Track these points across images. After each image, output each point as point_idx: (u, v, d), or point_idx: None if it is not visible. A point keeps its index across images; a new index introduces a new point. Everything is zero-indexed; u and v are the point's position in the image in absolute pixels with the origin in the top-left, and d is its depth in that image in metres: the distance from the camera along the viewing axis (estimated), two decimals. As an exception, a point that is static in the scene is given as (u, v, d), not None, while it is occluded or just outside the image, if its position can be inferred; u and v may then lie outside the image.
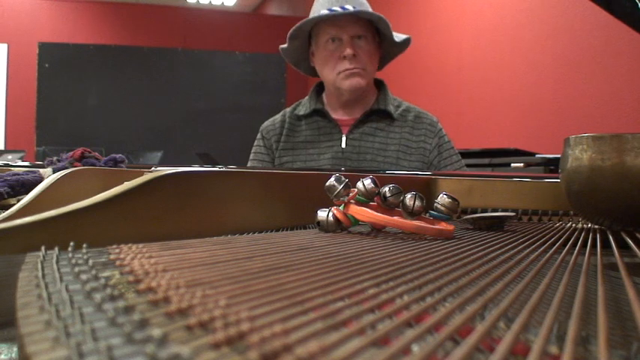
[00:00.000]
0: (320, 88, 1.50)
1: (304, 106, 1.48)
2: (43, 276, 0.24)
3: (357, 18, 1.37)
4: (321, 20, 1.38)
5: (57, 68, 4.78)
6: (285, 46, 1.45)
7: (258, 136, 1.50)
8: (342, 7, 1.35)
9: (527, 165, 1.78)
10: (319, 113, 1.45)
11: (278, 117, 1.50)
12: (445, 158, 1.41)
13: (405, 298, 0.22)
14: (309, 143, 1.43)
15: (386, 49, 1.46)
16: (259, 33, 5.71)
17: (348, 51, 1.36)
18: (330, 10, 1.36)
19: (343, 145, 1.40)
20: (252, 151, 1.51)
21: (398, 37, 1.42)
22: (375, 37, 1.43)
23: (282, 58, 1.51)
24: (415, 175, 0.83)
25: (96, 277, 0.24)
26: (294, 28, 1.40)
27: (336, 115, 1.45)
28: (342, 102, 1.44)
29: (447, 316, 0.19)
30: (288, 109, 1.51)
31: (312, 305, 0.20)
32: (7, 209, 0.51)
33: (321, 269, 0.27)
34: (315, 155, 1.41)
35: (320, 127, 1.44)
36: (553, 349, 0.19)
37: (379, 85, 1.49)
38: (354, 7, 1.35)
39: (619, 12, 0.82)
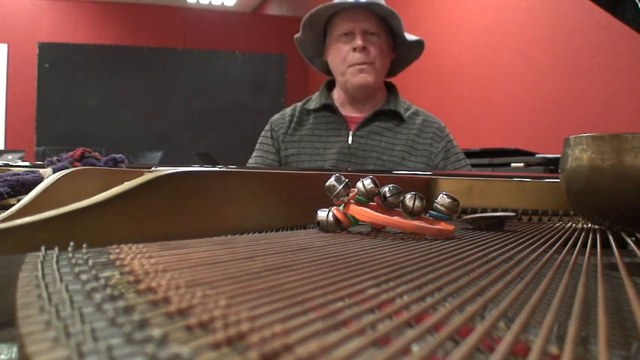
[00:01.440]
0: (331, 84, 1.51)
1: (314, 100, 1.49)
2: (43, 276, 0.24)
3: (371, 14, 1.38)
4: (336, 14, 1.39)
5: (57, 68, 4.78)
6: (299, 35, 1.46)
7: (267, 127, 1.50)
8: (356, 1, 1.36)
9: (527, 165, 1.78)
10: (328, 108, 1.46)
11: (288, 110, 1.51)
12: (453, 162, 1.42)
13: (405, 298, 0.22)
14: (316, 137, 1.44)
15: (401, 53, 1.47)
16: (259, 33, 5.71)
17: (359, 42, 1.37)
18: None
19: (349, 141, 1.40)
20: (259, 141, 1.51)
21: (409, 37, 1.43)
22: (389, 37, 1.43)
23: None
24: (415, 175, 0.83)
25: (96, 277, 0.24)
26: (307, 16, 1.41)
27: (345, 111, 1.46)
28: (350, 98, 1.45)
29: (447, 316, 0.19)
30: (299, 104, 1.52)
31: (312, 305, 0.20)
32: (7, 209, 0.51)
33: (321, 269, 0.27)
34: (320, 150, 1.41)
35: (328, 121, 1.45)
36: (553, 349, 0.19)
37: (390, 87, 1.50)
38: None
39: (621, 14, 0.82)
